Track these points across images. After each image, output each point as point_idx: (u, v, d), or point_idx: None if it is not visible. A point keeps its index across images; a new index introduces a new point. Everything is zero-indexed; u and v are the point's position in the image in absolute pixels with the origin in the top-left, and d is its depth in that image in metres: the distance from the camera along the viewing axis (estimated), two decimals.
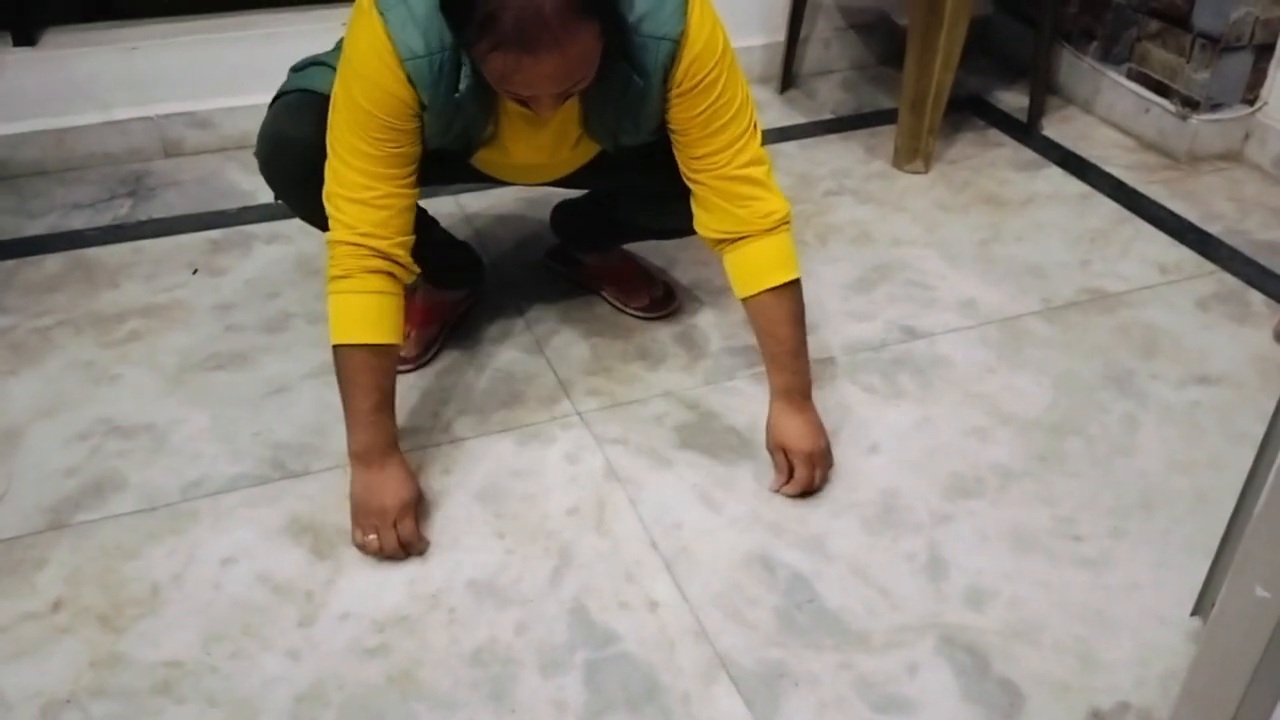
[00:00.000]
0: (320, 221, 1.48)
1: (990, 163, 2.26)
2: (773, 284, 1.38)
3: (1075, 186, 2.18)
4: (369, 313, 1.29)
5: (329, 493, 1.42)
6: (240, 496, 1.42)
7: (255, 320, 1.74)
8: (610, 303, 1.78)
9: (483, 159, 1.42)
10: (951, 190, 2.16)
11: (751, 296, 1.40)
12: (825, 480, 1.45)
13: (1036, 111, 2.39)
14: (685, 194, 1.40)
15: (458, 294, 1.71)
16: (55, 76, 2.09)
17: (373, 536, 1.31)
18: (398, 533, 1.32)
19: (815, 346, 1.69)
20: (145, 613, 1.26)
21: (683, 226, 1.43)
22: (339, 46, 1.42)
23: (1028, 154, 2.30)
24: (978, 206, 2.11)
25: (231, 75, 2.16)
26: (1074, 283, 1.88)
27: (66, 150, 2.13)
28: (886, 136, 2.28)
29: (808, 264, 1.90)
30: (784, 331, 1.41)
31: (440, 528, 1.38)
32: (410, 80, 1.21)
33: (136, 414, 1.55)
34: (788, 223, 1.39)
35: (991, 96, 2.53)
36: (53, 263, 1.87)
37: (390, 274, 1.30)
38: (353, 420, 1.32)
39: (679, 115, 1.31)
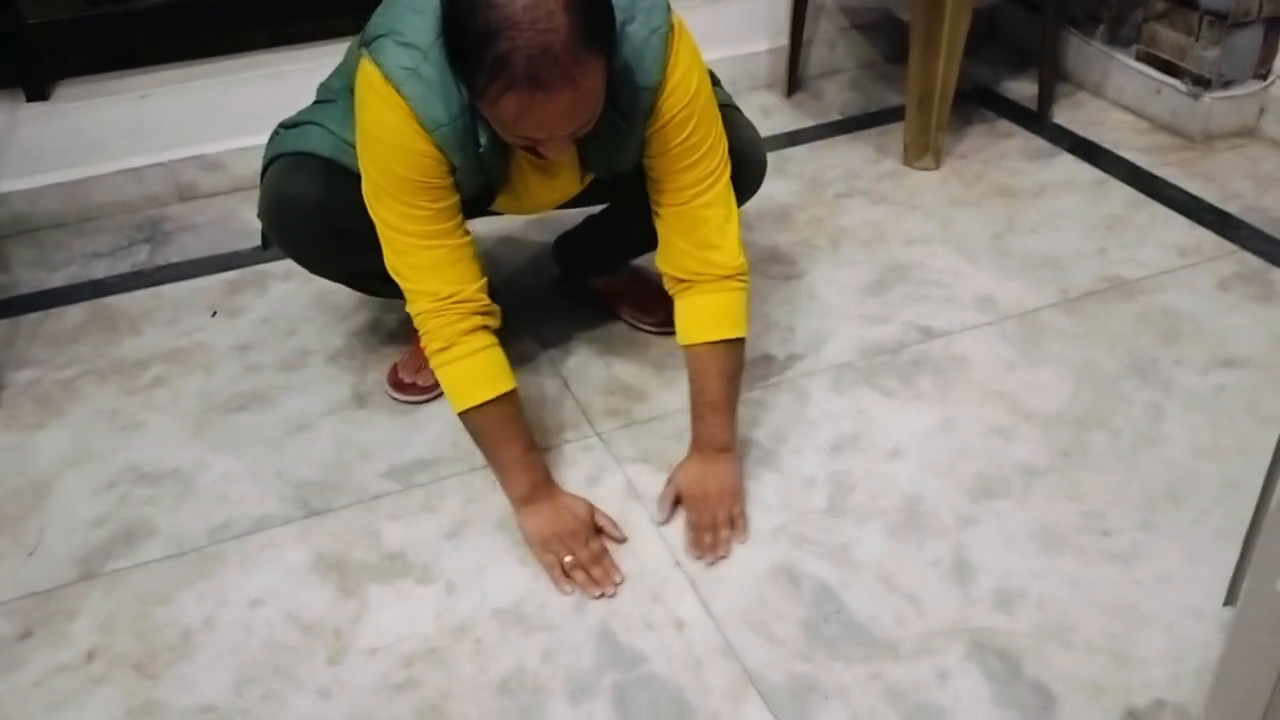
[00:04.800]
0: (332, 275, 1.51)
1: (1002, 154, 2.24)
2: (710, 339, 1.38)
3: (1089, 173, 2.15)
4: (479, 372, 1.32)
5: (352, 529, 1.43)
6: (266, 537, 1.43)
7: (274, 359, 1.75)
8: (625, 320, 1.79)
9: (500, 204, 1.45)
10: (964, 184, 2.14)
11: (690, 345, 1.40)
12: (729, 527, 1.38)
13: (1046, 99, 2.36)
14: None
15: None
16: (69, 129, 2.12)
17: (570, 558, 1.32)
18: (591, 548, 1.34)
19: (832, 351, 1.70)
20: (178, 658, 1.28)
21: None
22: (321, 100, 1.44)
23: (1039, 143, 2.28)
24: (991, 199, 2.09)
25: (239, 116, 2.18)
26: (1092, 272, 1.86)
27: (83, 201, 2.16)
28: (896, 135, 2.27)
29: (821, 268, 1.90)
30: (711, 385, 1.40)
31: (464, 557, 1.39)
32: (439, 147, 1.23)
33: (162, 460, 1.57)
34: (743, 277, 1.38)
35: (1000, 87, 2.51)
36: (75, 313, 1.90)
37: (485, 327, 1.32)
38: (507, 469, 1.36)
39: (651, 149, 1.33)
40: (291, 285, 1.92)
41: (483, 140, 1.24)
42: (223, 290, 1.94)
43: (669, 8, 1.27)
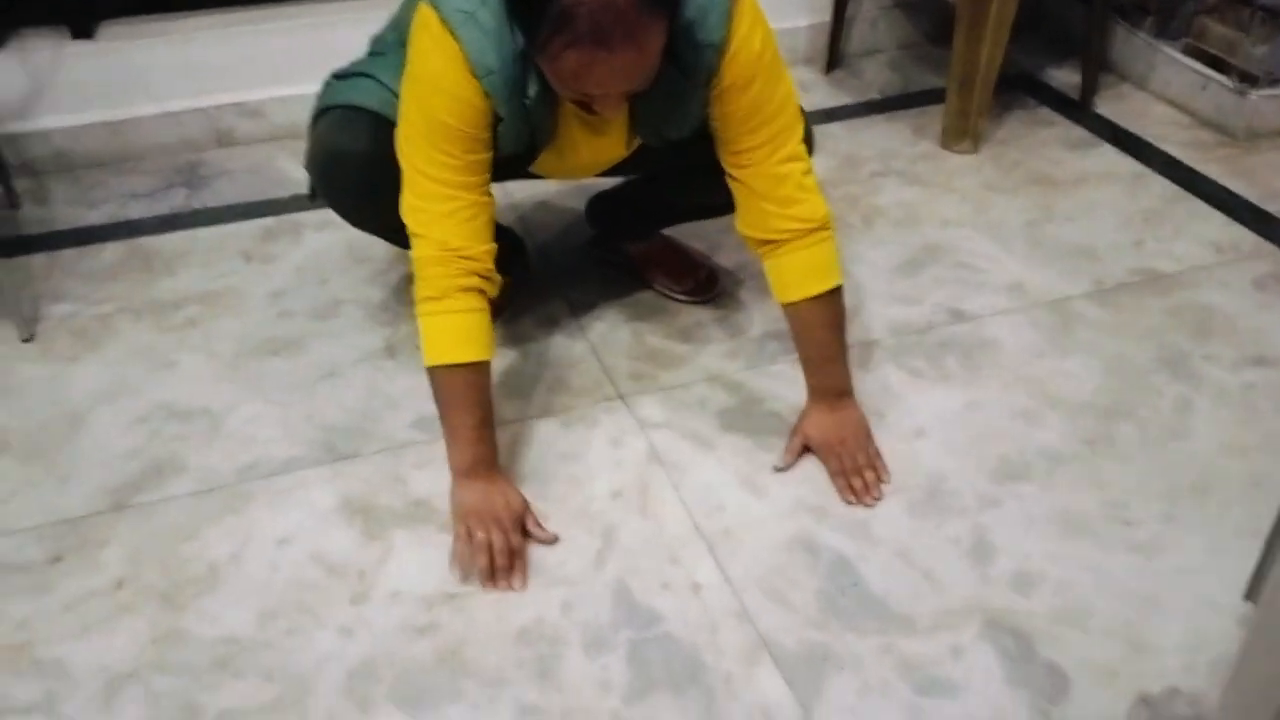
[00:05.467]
0: (375, 230, 1.51)
1: (1041, 142, 2.23)
2: (813, 293, 1.38)
3: (1129, 165, 2.14)
4: (463, 332, 1.30)
5: (379, 474, 1.45)
6: (294, 479, 1.45)
7: (306, 306, 1.77)
8: (653, 287, 1.79)
9: (542, 163, 1.44)
10: (1001, 170, 2.13)
11: (793, 303, 1.40)
12: (876, 470, 1.43)
13: (1089, 89, 2.34)
14: None
15: (502, 280, 1.73)
16: (112, 69, 2.13)
17: (481, 535, 1.30)
18: (509, 540, 1.31)
19: (860, 329, 1.70)
20: (204, 591, 1.30)
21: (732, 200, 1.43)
22: (375, 52, 1.44)
23: (1080, 132, 2.26)
24: (1028, 187, 2.08)
25: (281, 65, 2.19)
26: (1126, 263, 1.85)
27: (123, 141, 2.18)
28: (934, 116, 2.26)
29: (853, 246, 1.90)
30: (822, 336, 1.42)
31: None
32: (488, 95, 1.23)
33: (194, 398, 1.59)
34: (828, 227, 1.38)
35: (1043, 74, 2.49)
36: (112, 251, 1.92)
37: (480, 290, 1.31)
38: (456, 437, 1.33)
39: (718, 112, 1.32)
40: (326, 235, 1.93)
41: (531, 91, 1.24)
42: (257, 236, 1.95)
43: None
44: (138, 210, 2.04)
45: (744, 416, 1.55)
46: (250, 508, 1.41)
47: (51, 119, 2.13)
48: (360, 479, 1.45)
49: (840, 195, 2.05)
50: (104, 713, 1.17)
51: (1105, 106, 2.35)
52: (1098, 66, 2.36)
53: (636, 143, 1.44)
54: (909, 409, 1.55)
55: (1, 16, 2.09)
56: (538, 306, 1.76)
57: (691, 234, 1.86)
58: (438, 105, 1.24)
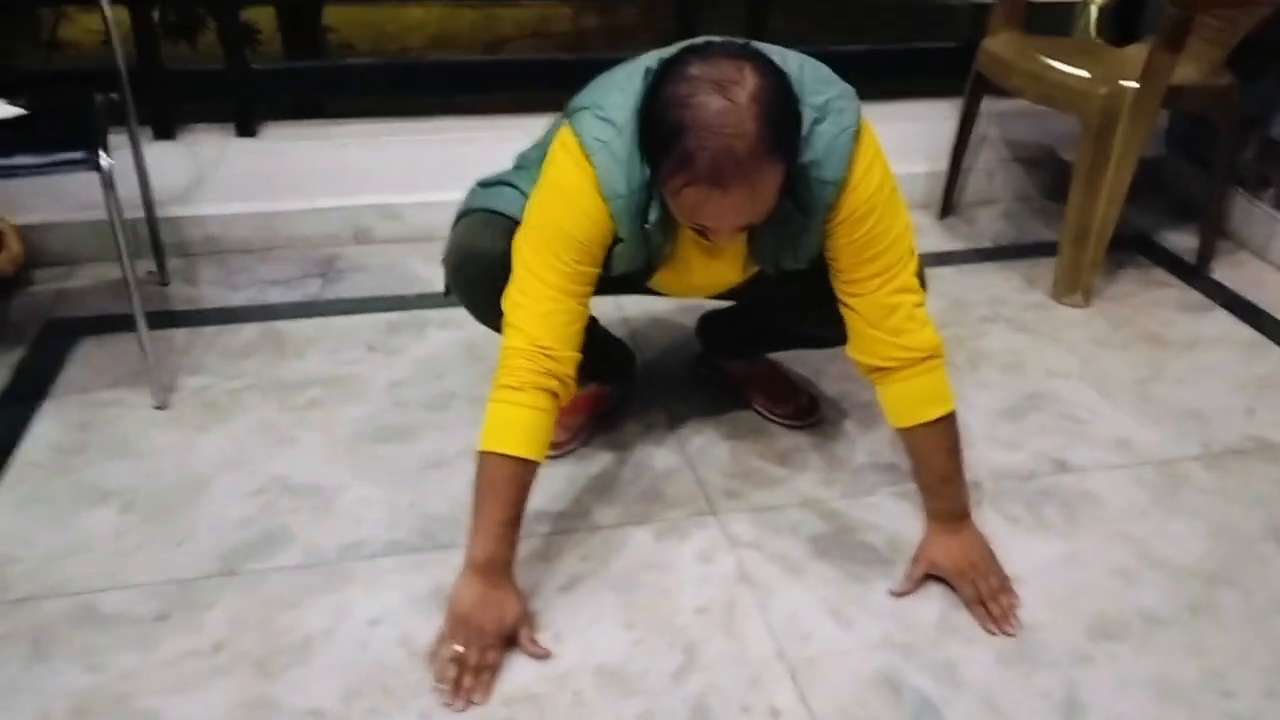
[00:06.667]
0: (500, 327, 1.60)
1: (1154, 302, 2.22)
2: (927, 419, 1.41)
3: (1244, 332, 2.12)
4: (527, 428, 1.33)
5: None
6: (392, 562, 1.50)
7: (422, 398, 1.85)
8: (755, 409, 1.82)
9: (658, 280, 1.51)
10: (1111, 326, 2.13)
11: (908, 429, 1.43)
12: (1006, 592, 1.44)
13: (1206, 254, 2.34)
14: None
15: (609, 387, 1.79)
16: (269, 165, 2.31)
17: (460, 650, 1.31)
18: (484, 657, 1.32)
19: None
20: (296, 661, 1.35)
21: (842, 334, 1.46)
22: (520, 166, 1.54)
23: (1195, 296, 2.25)
24: (1138, 344, 2.07)
25: (422, 173, 2.35)
26: (1237, 430, 1.81)
27: (270, 231, 2.34)
28: (1046, 268, 2.28)
29: (957, 387, 1.87)
30: (937, 461, 1.44)
31: (573, 612, 1.43)
32: (612, 216, 1.31)
33: (308, 475, 1.66)
34: (938, 356, 1.41)
35: (1159, 236, 2.50)
36: (248, 331, 2.05)
37: (554, 393, 1.35)
38: (482, 528, 1.35)
39: (833, 242, 1.37)
40: (447, 333, 2.03)
41: (652, 217, 1.32)
42: (383, 329, 2.06)
43: (859, 110, 1.32)
44: (276, 295, 2.18)
45: (836, 545, 1.55)
46: (349, 586, 1.46)
47: (209, 206, 2.30)
48: (454, 569, 1.47)
49: (947, 336, 2.02)
50: None
51: (1222, 272, 2.33)
52: (1216, 233, 2.36)
53: (753, 269, 1.49)
54: (1005, 556, 1.52)
55: (176, 110, 2.29)
56: (640, 417, 1.81)
57: (796, 360, 1.89)
58: (564, 215, 1.32)
